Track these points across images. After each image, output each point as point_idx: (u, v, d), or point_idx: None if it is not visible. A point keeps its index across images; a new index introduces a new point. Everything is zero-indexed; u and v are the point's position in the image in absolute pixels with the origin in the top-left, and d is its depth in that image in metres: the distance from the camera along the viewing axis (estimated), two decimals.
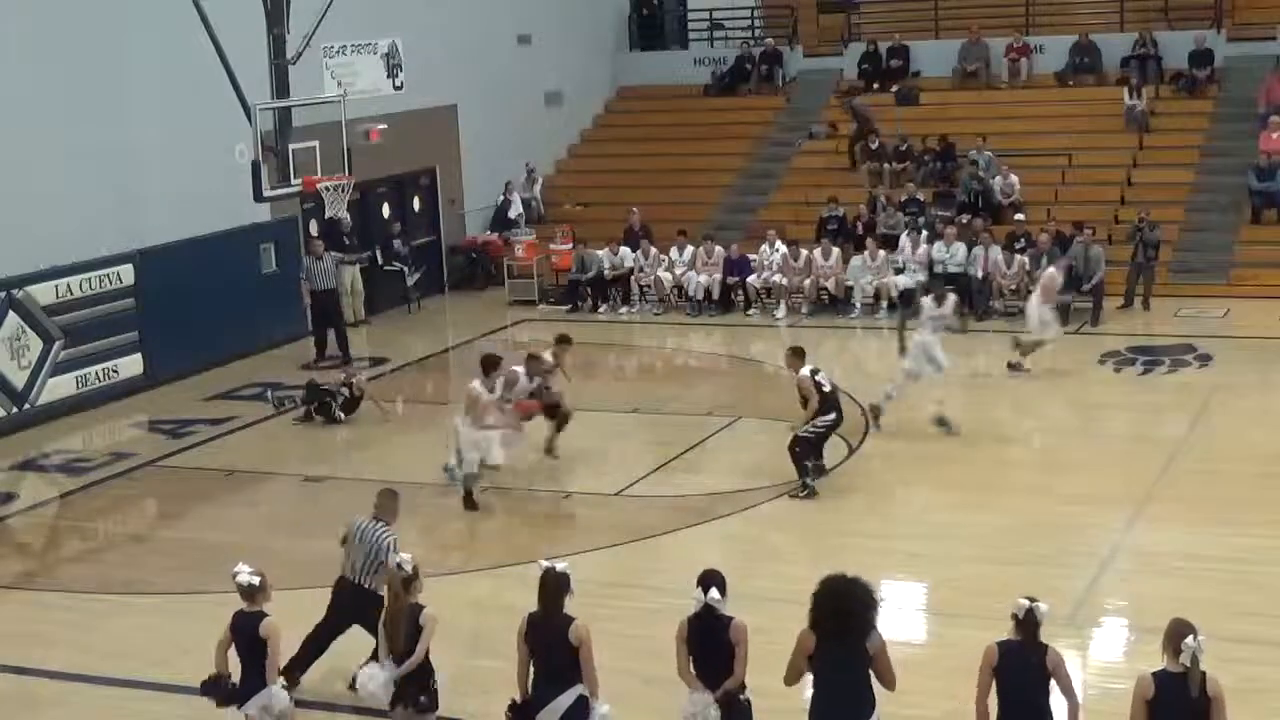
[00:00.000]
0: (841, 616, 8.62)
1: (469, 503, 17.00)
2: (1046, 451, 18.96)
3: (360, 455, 19.89)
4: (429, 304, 29.03)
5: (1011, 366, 22.19)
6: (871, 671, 8.88)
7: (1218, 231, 28.04)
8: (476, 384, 17.13)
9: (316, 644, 12.23)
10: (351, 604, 11.92)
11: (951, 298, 19.89)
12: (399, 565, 10.23)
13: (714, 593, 9.50)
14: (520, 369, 18.22)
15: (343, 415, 20.93)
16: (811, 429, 16.77)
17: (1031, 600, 9.06)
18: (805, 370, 16.89)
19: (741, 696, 9.51)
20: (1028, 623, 9.01)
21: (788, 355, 17.30)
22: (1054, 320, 22.36)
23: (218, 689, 10.37)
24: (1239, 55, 31.46)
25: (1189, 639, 8.44)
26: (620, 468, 18.47)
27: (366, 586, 11.75)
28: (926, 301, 19.79)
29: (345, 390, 21.07)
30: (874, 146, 30.69)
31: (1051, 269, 23.21)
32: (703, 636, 9.52)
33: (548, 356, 18.74)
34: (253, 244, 25.46)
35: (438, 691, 10.24)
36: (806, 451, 16.82)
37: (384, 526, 11.84)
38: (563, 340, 19.28)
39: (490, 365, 17.42)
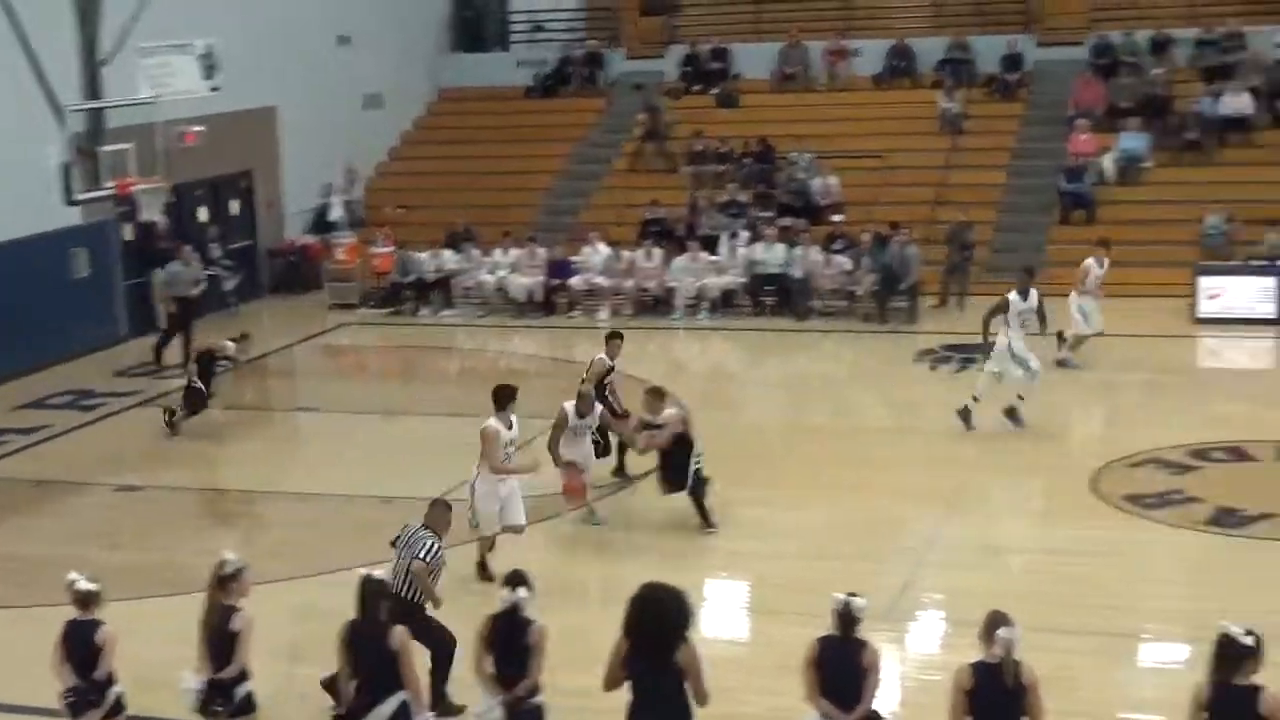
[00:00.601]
0: (652, 627, 8.57)
1: (483, 573, 14.39)
2: (864, 449, 19.17)
3: (174, 465, 19.48)
4: (248, 308, 28.57)
5: (1060, 363, 21.83)
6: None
7: (1029, 231, 28.69)
8: (492, 422, 14.28)
9: None
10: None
11: (1034, 292, 19.27)
12: (221, 562, 9.98)
13: (520, 591, 9.47)
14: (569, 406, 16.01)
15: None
16: (697, 461, 15.67)
17: (849, 595, 9.18)
18: (671, 411, 15.90)
19: (534, 701, 9.46)
20: (845, 618, 9.14)
21: (647, 398, 16.12)
22: (1094, 311, 22.29)
23: (80, 698, 9.98)
24: (1048, 59, 32.23)
25: (1002, 630, 8.61)
26: (442, 472, 18.29)
27: (404, 595, 11.14)
28: (1013, 296, 19.15)
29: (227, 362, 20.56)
30: (664, 139, 31.06)
31: (1089, 260, 22.72)
32: (505, 636, 9.48)
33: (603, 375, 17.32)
34: (63, 248, 24.82)
35: (251, 698, 10.04)
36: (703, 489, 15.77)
37: (428, 533, 11.55)
38: (614, 337, 17.97)
39: (505, 397, 14.48)
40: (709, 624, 13.86)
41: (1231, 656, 8.23)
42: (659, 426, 15.71)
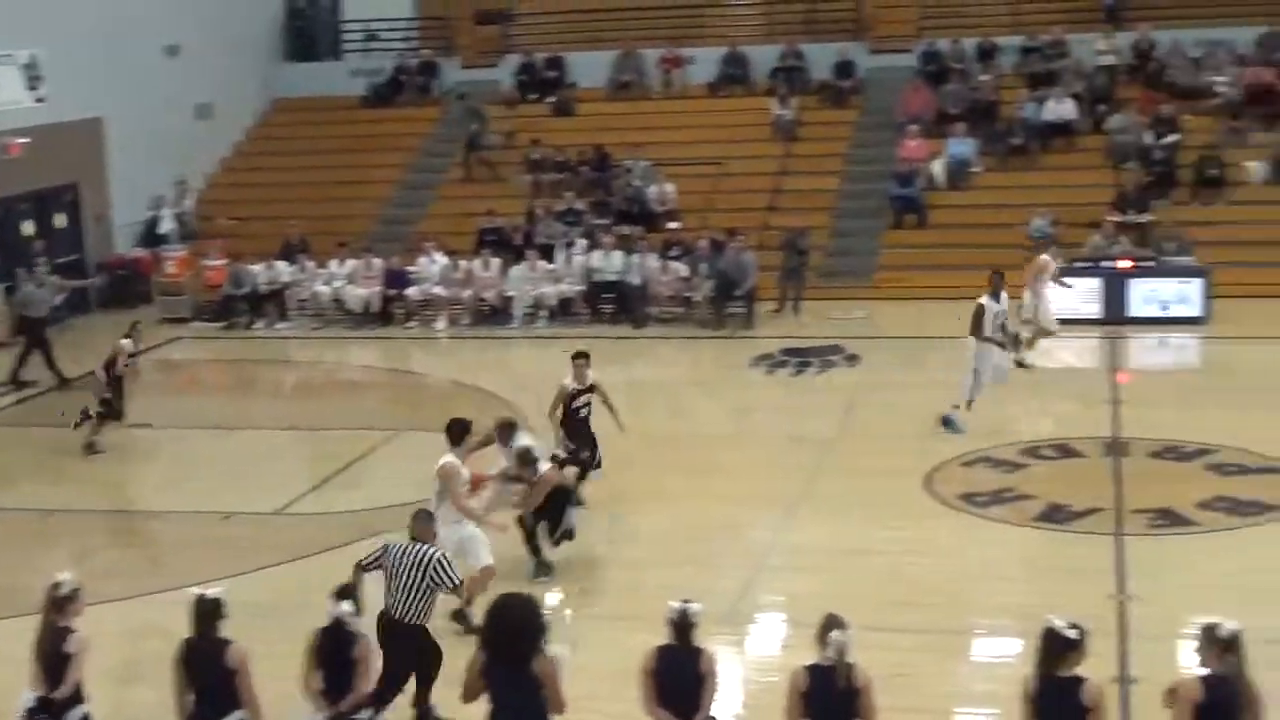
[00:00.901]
0: (507, 637, 8.57)
1: (461, 620, 12.93)
2: (702, 454, 19.23)
3: (3, 485, 19.02)
4: (76, 323, 27.94)
5: (1021, 365, 21.65)
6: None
7: (862, 236, 29.11)
8: (451, 458, 13.26)
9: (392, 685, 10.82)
10: (387, 641, 10.77)
11: (1004, 294, 19.29)
12: (55, 584, 9.77)
13: (345, 605, 9.41)
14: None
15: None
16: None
17: (684, 603, 9.23)
18: (525, 442, 14.74)
19: (360, 716, 9.39)
20: (681, 625, 9.18)
21: (498, 429, 14.94)
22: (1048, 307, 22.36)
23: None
24: (879, 66, 32.74)
25: (835, 633, 8.73)
26: (280, 486, 18.14)
27: (405, 620, 10.78)
28: (985, 300, 19.13)
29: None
30: (486, 149, 31.18)
31: (1044, 256, 22.82)
32: (331, 651, 9.42)
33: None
34: None
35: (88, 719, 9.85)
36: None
37: (427, 547, 11.01)
38: (578, 357, 16.67)
39: (460, 432, 13.48)
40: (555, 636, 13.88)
41: (1056, 649, 8.44)
42: (522, 479, 14.47)
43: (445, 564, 10.93)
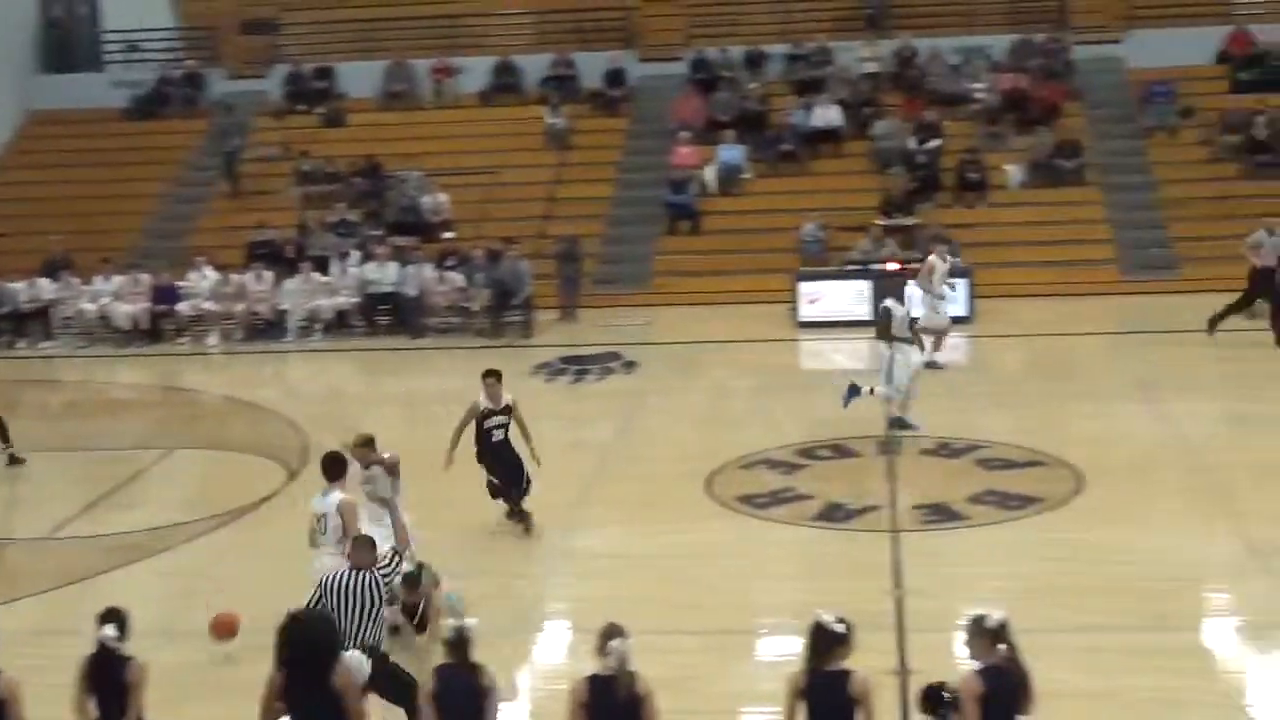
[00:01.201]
0: (304, 654, 8.43)
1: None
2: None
3: None
4: None
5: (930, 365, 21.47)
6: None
7: (637, 243, 29.34)
8: (345, 496, 12.43)
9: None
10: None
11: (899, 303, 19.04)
12: None
13: (108, 630, 9.21)
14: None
15: None
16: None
17: (460, 622, 9.08)
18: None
19: None
20: (458, 645, 9.04)
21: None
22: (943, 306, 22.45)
23: None
24: (650, 75, 33.04)
25: (615, 642, 8.75)
26: (50, 509, 17.61)
27: (361, 648, 10.28)
28: (891, 303, 18.99)
29: None
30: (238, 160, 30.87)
31: (932, 256, 22.90)
32: (100, 676, 9.21)
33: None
34: None
35: None
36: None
37: (364, 575, 10.53)
38: (488, 375, 15.77)
39: (340, 467, 12.66)
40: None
41: (823, 643, 8.59)
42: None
43: (379, 582, 10.63)
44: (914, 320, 19.36)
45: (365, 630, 10.55)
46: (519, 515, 15.74)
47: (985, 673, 8.44)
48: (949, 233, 26.28)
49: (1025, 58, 31.69)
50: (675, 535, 15.78)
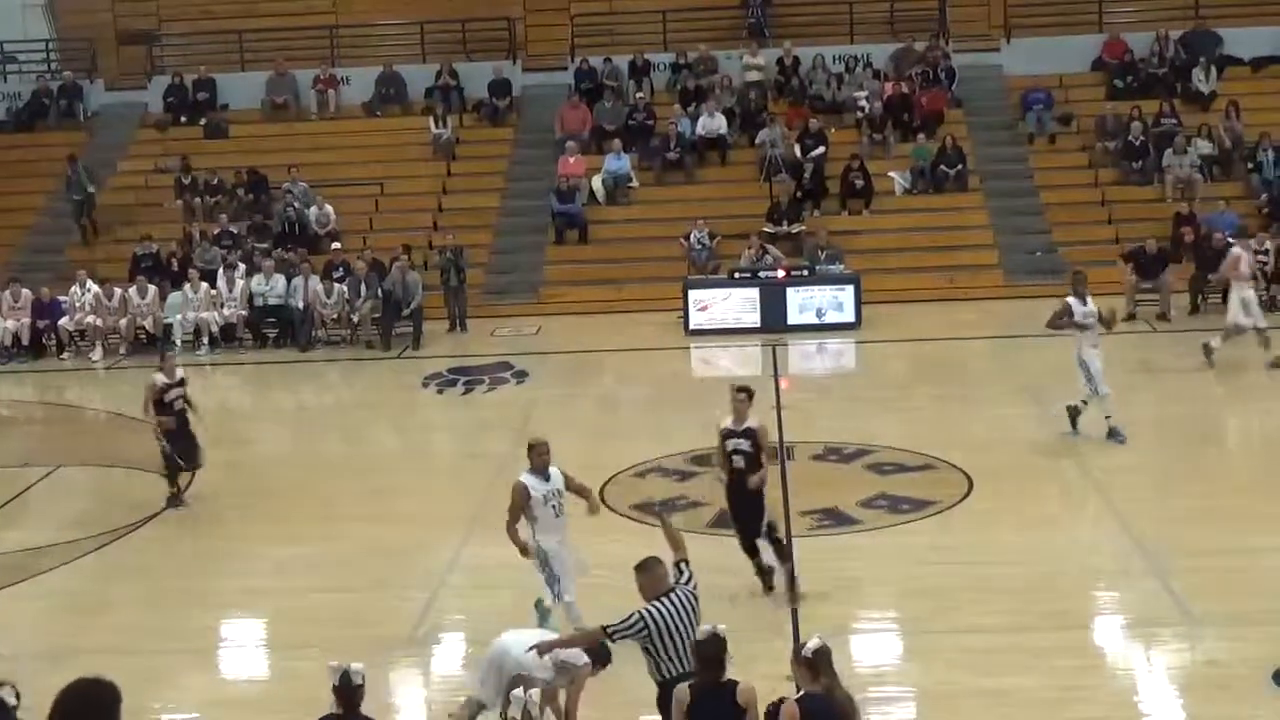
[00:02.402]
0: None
1: None
2: (377, 477, 18.95)
3: None
4: None
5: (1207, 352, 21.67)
6: None
7: (525, 252, 29.30)
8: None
9: None
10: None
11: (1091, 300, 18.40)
12: None
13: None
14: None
15: None
16: None
17: (346, 665, 8.79)
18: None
19: None
20: (345, 690, 8.70)
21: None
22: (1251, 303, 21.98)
23: None
24: (535, 85, 33.04)
25: (517, 691, 8.69)
26: None
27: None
28: (1072, 301, 18.44)
29: None
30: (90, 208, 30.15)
31: (1236, 249, 22.50)
32: None
33: None
34: None
35: None
36: None
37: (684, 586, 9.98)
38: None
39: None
40: (228, 664, 13.60)
41: (708, 657, 8.63)
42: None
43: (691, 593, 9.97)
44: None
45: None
46: (761, 571, 14.09)
47: (804, 701, 8.38)
48: (836, 239, 26.58)
49: (905, 66, 32.06)
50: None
